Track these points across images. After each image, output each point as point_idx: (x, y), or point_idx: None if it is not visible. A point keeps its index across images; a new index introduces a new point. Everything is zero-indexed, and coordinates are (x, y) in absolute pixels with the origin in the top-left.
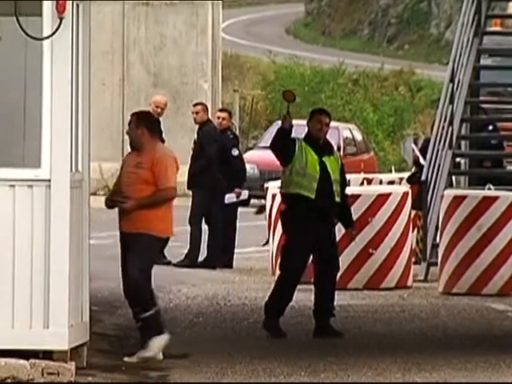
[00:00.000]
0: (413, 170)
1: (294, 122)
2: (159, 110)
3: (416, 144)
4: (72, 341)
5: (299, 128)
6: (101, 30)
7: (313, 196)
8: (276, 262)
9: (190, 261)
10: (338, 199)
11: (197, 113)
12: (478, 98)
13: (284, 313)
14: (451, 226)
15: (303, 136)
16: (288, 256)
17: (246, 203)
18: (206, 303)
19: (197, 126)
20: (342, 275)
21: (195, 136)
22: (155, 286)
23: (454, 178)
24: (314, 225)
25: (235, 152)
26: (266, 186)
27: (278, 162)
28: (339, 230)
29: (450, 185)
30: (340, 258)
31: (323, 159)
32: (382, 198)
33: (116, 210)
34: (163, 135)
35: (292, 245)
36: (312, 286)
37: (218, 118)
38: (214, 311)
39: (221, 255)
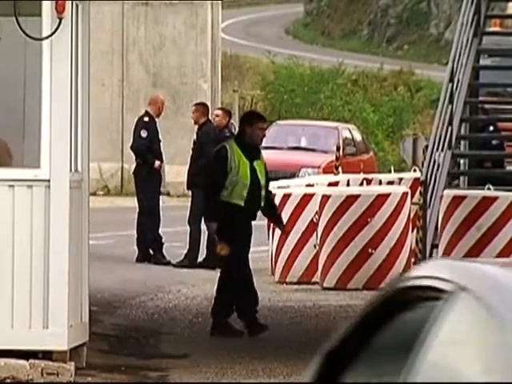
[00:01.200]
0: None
1: (293, 121)
2: (159, 109)
3: (415, 144)
4: (71, 341)
5: (298, 128)
6: (100, 30)
7: (242, 203)
8: (276, 262)
9: (189, 261)
10: (262, 204)
11: (193, 112)
12: (477, 98)
13: (233, 313)
14: (451, 226)
15: (235, 138)
16: (231, 262)
17: None
18: (205, 303)
19: (196, 127)
20: (341, 275)
21: (194, 136)
22: (155, 286)
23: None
24: (245, 230)
25: None
26: None
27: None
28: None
29: (457, 185)
30: (340, 258)
31: (254, 165)
32: (382, 199)
33: (117, 211)
34: (160, 135)
35: (233, 251)
36: (312, 286)
37: (214, 116)
38: None
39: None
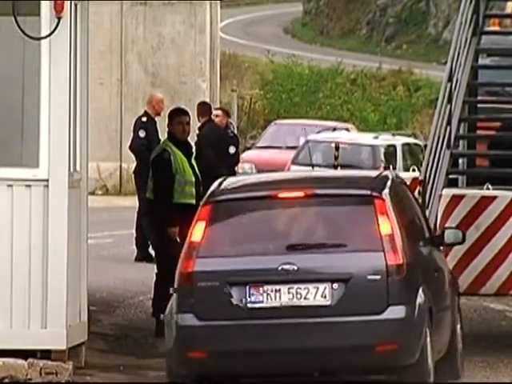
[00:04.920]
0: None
1: (292, 121)
2: (156, 108)
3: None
4: (70, 340)
5: (297, 127)
6: (99, 29)
7: (194, 202)
8: None
9: None
10: (194, 201)
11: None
12: (476, 98)
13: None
14: (449, 226)
15: (168, 139)
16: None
17: None
18: None
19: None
20: None
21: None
22: None
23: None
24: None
25: (232, 150)
26: None
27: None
28: None
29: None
30: None
31: (192, 162)
32: None
33: (116, 210)
34: (159, 135)
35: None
36: None
37: (214, 116)
38: None
39: None
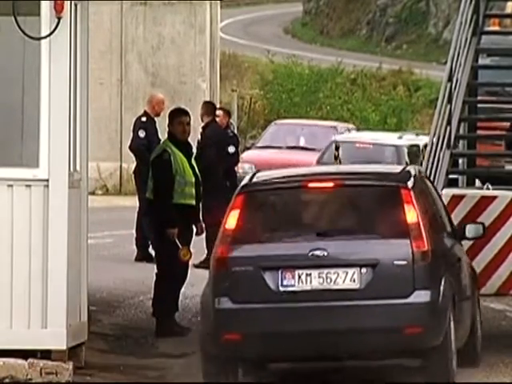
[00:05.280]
0: None
1: (292, 121)
2: (155, 108)
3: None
4: (70, 340)
5: (297, 127)
6: (99, 29)
7: (194, 202)
8: None
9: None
10: (193, 202)
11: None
12: (476, 98)
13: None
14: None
15: (169, 140)
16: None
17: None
18: None
19: (200, 126)
20: None
21: (199, 136)
22: None
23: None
24: (189, 230)
25: (231, 149)
26: None
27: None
28: None
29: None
30: None
31: (192, 162)
32: None
33: (116, 210)
34: (159, 135)
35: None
36: None
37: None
38: None
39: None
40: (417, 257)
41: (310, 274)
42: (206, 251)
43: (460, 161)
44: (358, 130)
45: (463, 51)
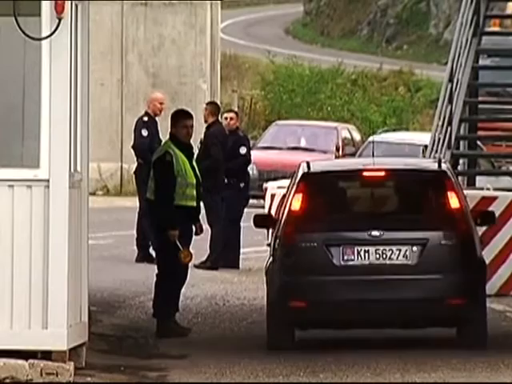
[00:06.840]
0: None
1: (293, 122)
2: (155, 108)
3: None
4: (71, 341)
5: (298, 128)
6: (99, 30)
7: (194, 204)
8: None
9: (211, 262)
10: (194, 203)
11: (204, 111)
12: (476, 98)
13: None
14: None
15: (171, 141)
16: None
17: (244, 204)
18: (204, 303)
19: (204, 126)
20: None
21: (202, 136)
22: None
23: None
24: (189, 232)
25: (243, 150)
26: (264, 186)
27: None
28: None
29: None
30: None
31: (193, 164)
32: None
33: (117, 211)
34: (160, 135)
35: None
36: None
37: (226, 118)
38: (212, 311)
39: (222, 255)
40: (460, 237)
41: (368, 251)
42: (208, 251)
43: (460, 161)
44: (394, 130)
45: (464, 52)
